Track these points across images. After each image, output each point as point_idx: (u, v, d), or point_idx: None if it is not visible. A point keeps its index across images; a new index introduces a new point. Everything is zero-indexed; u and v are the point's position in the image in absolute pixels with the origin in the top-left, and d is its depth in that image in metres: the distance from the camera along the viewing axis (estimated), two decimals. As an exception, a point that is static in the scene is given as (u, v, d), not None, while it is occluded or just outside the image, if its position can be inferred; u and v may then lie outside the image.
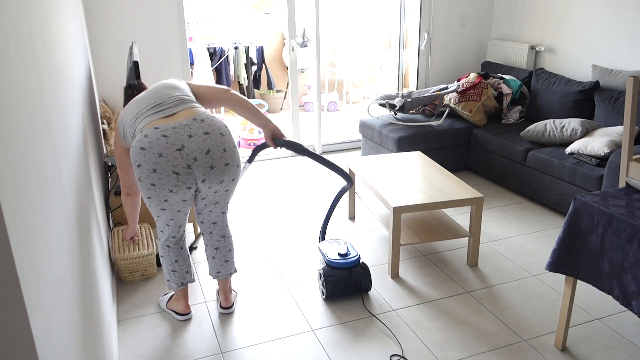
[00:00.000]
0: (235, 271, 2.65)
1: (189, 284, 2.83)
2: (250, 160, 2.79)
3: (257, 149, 2.72)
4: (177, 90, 2.33)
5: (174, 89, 2.33)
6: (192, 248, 3.21)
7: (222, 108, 6.39)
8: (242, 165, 2.41)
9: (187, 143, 2.16)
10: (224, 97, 2.43)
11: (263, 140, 2.58)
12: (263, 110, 5.46)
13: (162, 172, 2.15)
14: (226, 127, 2.29)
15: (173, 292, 2.67)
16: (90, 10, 3.95)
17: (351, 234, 3.45)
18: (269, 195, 4.09)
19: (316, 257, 3.17)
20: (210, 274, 2.62)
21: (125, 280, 2.90)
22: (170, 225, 2.39)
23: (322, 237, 3.06)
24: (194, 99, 2.35)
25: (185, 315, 2.59)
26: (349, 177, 2.69)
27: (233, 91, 2.45)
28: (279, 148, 2.54)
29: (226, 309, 2.64)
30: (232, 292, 2.75)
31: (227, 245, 2.57)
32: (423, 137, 4.23)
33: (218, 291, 2.69)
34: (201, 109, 2.29)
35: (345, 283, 2.68)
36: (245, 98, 2.48)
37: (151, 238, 3.00)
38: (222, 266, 2.59)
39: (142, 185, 2.21)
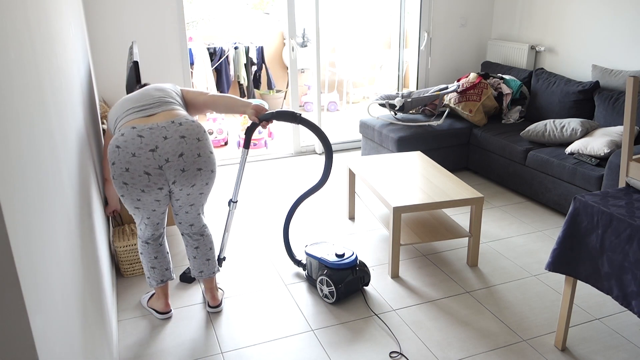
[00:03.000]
0: (218, 270, 2.67)
1: (170, 283, 2.85)
2: (246, 145, 2.74)
3: (248, 131, 2.67)
4: (163, 92, 2.38)
5: (160, 90, 2.39)
6: (220, 259, 2.97)
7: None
8: (216, 171, 2.42)
9: (162, 144, 2.19)
10: (203, 99, 2.49)
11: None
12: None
13: (134, 172, 2.18)
14: (205, 132, 2.33)
15: (154, 291, 2.69)
16: (90, 10, 3.95)
17: (351, 234, 3.45)
18: (268, 195, 4.09)
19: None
20: (193, 275, 2.64)
21: (126, 274, 2.91)
22: (148, 223, 2.41)
23: (286, 234, 3.00)
24: (178, 101, 2.39)
25: (165, 314, 2.60)
26: (327, 173, 2.65)
27: (210, 93, 2.52)
28: (268, 125, 2.54)
29: (214, 307, 2.65)
30: (219, 290, 2.76)
31: (207, 243, 2.58)
32: (423, 137, 4.23)
33: (204, 291, 2.71)
34: (182, 111, 2.32)
35: (353, 282, 2.69)
36: (221, 94, 2.53)
37: None
38: (204, 265, 2.60)
39: (115, 183, 2.23)
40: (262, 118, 2.51)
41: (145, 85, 2.59)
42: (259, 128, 5.04)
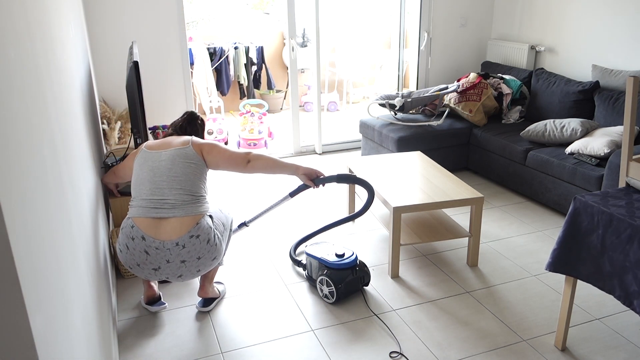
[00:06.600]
0: (222, 264, 2.69)
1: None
2: (292, 195, 2.77)
3: (300, 188, 2.72)
4: (179, 183, 2.33)
5: (176, 180, 2.34)
6: (244, 225, 3.02)
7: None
8: (220, 256, 2.45)
9: (163, 266, 2.33)
10: (244, 169, 2.47)
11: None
12: (263, 110, 5.48)
13: (138, 270, 2.37)
14: (207, 242, 2.33)
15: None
16: (90, 10, 3.95)
17: (351, 234, 3.45)
18: (268, 195, 4.09)
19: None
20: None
21: (127, 275, 2.91)
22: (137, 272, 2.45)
23: (296, 246, 3.15)
24: (191, 196, 2.34)
25: (154, 304, 2.62)
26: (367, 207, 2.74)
27: (254, 160, 2.46)
28: (321, 186, 2.61)
29: (202, 306, 2.64)
30: (216, 284, 2.76)
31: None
32: (423, 137, 4.23)
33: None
34: (189, 216, 2.30)
35: (352, 282, 2.69)
36: (265, 156, 2.50)
37: None
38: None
39: (119, 245, 2.38)
40: (319, 182, 2.57)
41: (171, 134, 2.59)
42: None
